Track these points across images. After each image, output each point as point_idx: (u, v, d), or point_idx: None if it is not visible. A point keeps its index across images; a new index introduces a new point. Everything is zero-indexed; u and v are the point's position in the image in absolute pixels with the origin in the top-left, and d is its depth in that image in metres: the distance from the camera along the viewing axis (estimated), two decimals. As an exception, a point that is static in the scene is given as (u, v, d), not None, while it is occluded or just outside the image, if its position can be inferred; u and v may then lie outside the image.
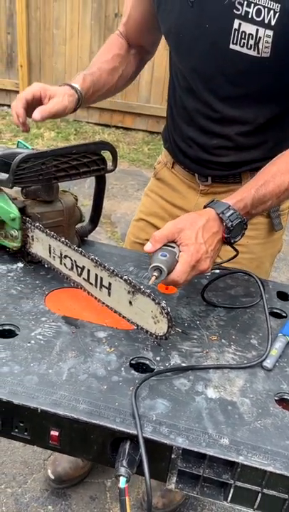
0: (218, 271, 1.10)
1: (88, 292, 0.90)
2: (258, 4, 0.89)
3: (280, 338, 0.90)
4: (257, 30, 0.91)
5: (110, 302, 0.85)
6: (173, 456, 0.67)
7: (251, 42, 0.93)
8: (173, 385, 0.76)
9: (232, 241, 0.90)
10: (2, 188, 0.97)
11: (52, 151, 0.95)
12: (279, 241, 1.28)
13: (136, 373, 0.78)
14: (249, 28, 0.92)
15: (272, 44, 0.92)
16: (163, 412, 0.71)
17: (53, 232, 0.92)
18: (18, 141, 1.07)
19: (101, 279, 0.85)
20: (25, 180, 0.94)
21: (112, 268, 0.83)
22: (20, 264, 1.03)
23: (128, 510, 0.62)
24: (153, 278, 0.78)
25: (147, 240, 1.32)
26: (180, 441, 0.66)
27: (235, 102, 1.05)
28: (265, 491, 0.66)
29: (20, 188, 1.00)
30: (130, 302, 0.81)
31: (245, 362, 0.84)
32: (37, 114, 1.02)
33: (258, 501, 0.67)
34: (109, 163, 1.09)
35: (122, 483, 0.64)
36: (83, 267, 0.88)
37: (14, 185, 0.93)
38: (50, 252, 0.94)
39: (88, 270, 0.87)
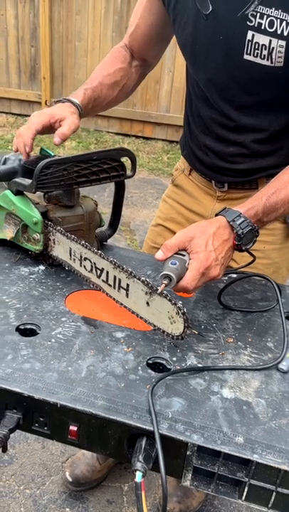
0: (235, 275, 1.11)
1: (107, 293, 0.92)
2: (271, 16, 0.92)
3: (296, 341, 0.91)
4: (270, 41, 0.94)
5: (128, 303, 0.88)
6: (188, 453, 0.68)
7: (265, 52, 0.95)
8: (189, 385, 0.78)
9: (243, 248, 0.91)
10: (25, 192, 1.01)
11: (73, 157, 0.98)
12: None
13: (152, 372, 0.80)
14: (262, 39, 0.94)
15: (285, 54, 0.94)
16: (179, 410, 0.72)
17: (73, 236, 0.95)
18: (42, 148, 1.11)
19: (119, 280, 0.87)
20: (47, 186, 0.97)
21: (130, 269, 0.85)
22: (42, 267, 1.07)
23: (144, 503, 0.64)
24: (162, 286, 0.80)
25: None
26: (195, 438, 0.68)
27: (250, 111, 1.07)
28: (279, 489, 0.67)
29: (42, 193, 1.03)
30: (147, 303, 0.83)
31: (261, 364, 0.85)
32: (57, 139, 1.04)
33: (272, 500, 0.68)
34: (129, 170, 1.12)
35: (139, 477, 0.65)
36: (102, 268, 0.90)
37: (37, 191, 0.97)
38: (70, 255, 0.97)
39: (107, 272, 0.90)
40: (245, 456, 0.66)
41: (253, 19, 0.94)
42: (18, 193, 1.01)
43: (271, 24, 0.92)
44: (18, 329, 0.86)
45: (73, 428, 0.72)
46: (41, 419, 0.73)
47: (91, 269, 0.93)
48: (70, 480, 1.58)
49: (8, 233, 1.06)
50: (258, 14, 0.93)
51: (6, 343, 0.82)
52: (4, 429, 0.71)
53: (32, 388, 0.73)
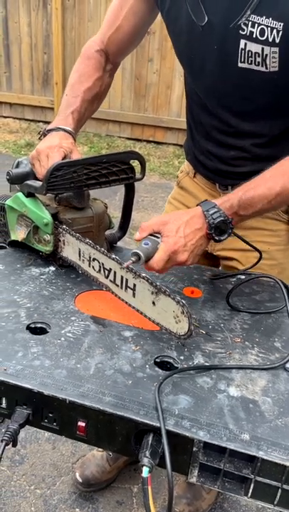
0: (243, 276, 1.12)
1: (114, 293, 0.94)
2: (262, 24, 0.93)
3: (303, 341, 0.91)
4: (262, 49, 0.95)
5: (135, 303, 0.89)
6: (194, 449, 0.69)
7: (258, 59, 0.96)
8: (196, 383, 0.79)
9: (216, 238, 0.95)
10: (36, 194, 1.03)
11: (83, 160, 1.00)
12: None
13: (160, 371, 0.81)
14: (254, 47, 0.95)
15: (279, 59, 0.95)
16: (185, 407, 0.73)
17: (82, 236, 0.97)
18: (52, 152, 1.13)
19: (126, 280, 0.89)
20: (57, 188, 0.99)
21: (136, 270, 0.86)
22: (52, 268, 1.09)
23: (150, 498, 0.65)
24: (129, 262, 0.87)
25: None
26: (201, 434, 0.69)
27: (249, 117, 1.09)
28: (285, 486, 0.67)
29: (53, 195, 1.05)
30: (153, 302, 0.85)
31: (268, 364, 0.85)
32: None
33: (278, 497, 0.68)
34: (138, 173, 1.14)
35: (145, 472, 0.66)
36: (110, 269, 0.92)
37: (48, 192, 0.99)
38: (79, 256, 0.99)
39: (114, 272, 0.91)
40: (251, 452, 0.67)
41: (245, 28, 0.95)
42: (29, 195, 1.04)
43: (262, 33, 0.93)
44: (28, 328, 0.88)
45: (81, 424, 0.73)
46: (50, 415, 0.75)
47: (99, 270, 0.95)
48: (80, 481, 1.59)
49: (20, 234, 1.09)
50: (250, 23, 0.94)
51: (16, 340, 0.84)
52: (14, 424, 0.72)
53: (41, 384, 0.74)
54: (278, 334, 0.95)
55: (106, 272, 0.93)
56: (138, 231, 0.93)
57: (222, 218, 0.93)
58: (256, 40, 0.94)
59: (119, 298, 0.93)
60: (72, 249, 1.01)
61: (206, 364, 0.84)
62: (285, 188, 0.95)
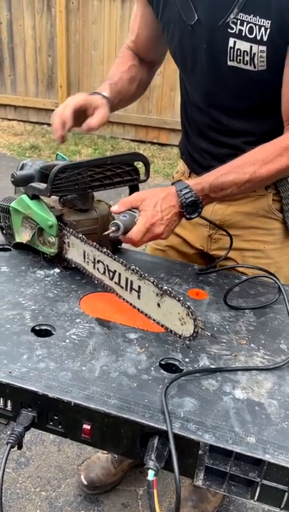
0: (244, 277, 1.12)
1: (119, 295, 0.94)
2: (250, 22, 0.94)
3: (309, 343, 0.91)
4: (251, 47, 0.96)
5: (140, 305, 0.89)
6: (200, 452, 0.68)
7: (247, 58, 0.97)
8: (201, 385, 0.78)
9: (187, 216, 1.01)
10: (41, 197, 1.04)
11: (87, 162, 1.00)
12: None
13: (165, 373, 0.81)
14: (243, 46, 0.96)
15: (266, 58, 0.96)
16: (191, 410, 0.73)
17: (87, 238, 0.97)
18: (57, 154, 1.14)
19: (131, 282, 0.89)
20: (62, 190, 0.99)
21: (141, 271, 0.86)
22: (57, 270, 1.09)
23: (156, 501, 0.65)
24: (110, 231, 0.93)
25: (168, 246, 1.37)
26: (207, 437, 0.68)
27: (240, 115, 1.10)
28: (291, 490, 0.67)
29: (57, 197, 1.06)
30: (158, 304, 0.84)
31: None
32: (96, 123, 1.10)
33: (284, 500, 0.67)
34: (142, 175, 1.14)
35: (151, 475, 0.66)
36: (115, 271, 0.92)
37: (52, 195, 0.99)
38: (84, 258, 0.99)
39: (119, 274, 0.91)
40: (257, 456, 0.66)
41: (234, 26, 0.96)
42: (34, 197, 1.04)
43: (251, 31, 0.94)
44: (33, 330, 0.88)
45: (87, 426, 0.73)
46: (55, 417, 0.75)
47: (104, 272, 0.95)
48: (85, 483, 1.59)
49: (25, 236, 1.09)
50: (239, 21, 0.95)
51: (21, 343, 0.84)
52: (20, 426, 0.72)
53: (46, 387, 0.74)
54: (284, 336, 0.94)
55: (111, 273, 0.93)
56: (117, 204, 0.97)
57: (193, 198, 0.99)
58: (245, 38, 0.95)
59: (124, 300, 0.93)
60: (76, 251, 1.01)
61: (212, 366, 0.83)
62: (254, 176, 0.99)
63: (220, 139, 1.16)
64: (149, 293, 0.85)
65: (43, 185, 1.00)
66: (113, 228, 0.93)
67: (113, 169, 1.05)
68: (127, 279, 0.90)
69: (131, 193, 1.18)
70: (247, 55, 0.97)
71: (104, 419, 0.71)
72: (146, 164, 1.12)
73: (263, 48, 0.95)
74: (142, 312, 0.90)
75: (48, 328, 0.89)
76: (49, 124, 5.57)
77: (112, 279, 0.94)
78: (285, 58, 0.96)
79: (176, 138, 5.03)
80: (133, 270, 0.87)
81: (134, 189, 1.17)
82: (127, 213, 0.96)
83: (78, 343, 0.85)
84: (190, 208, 0.99)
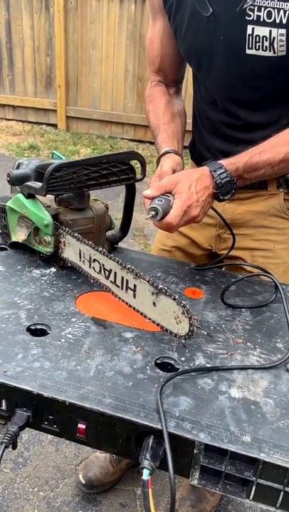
0: (240, 275, 1.12)
1: (115, 294, 0.93)
2: (269, 7, 0.93)
3: (306, 341, 0.90)
4: (270, 32, 0.95)
5: (135, 303, 0.88)
6: (195, 451, 0.68)
7: (266, 44, 0.97)
8: (197, 384, 0.78)
9: (221, 198, 1.00)
10: (37, 196, 1.03)
11: (83, 160, 1.00)
12: None
13: (161, 372, 0.80)
14: (262, 31, 0.96)
15: (286, 42, 0.95)
16: (186, 409, 0.73)
17: (82, 237, 0.97)
18: (53, 153, 1.14)
19: (126, 281, 0.88)
20: (57, 189, 0.99)
21: (136, 270, 0.86)
22: (53, 269, 1.08)
23: (151, 501, 0.64)
24: (150, 216, 0.91)
25: (174, 247, 1.36)
26: (202, 436, 0.68)
27: (257, 107, 1.09)
28: (287, 489, 0.66)
29: (53, 196, 1.05)
30: (154, 303, 0.84)
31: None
32: None
33: (280, 499, 0.67)
34: (139, 174, 1.13)
35: (146, 475, 0.66)
36: (110, 269, 0.91)
37: (47, 193, 0.99)
38: (80, 257, 0.99)
39: (115, 273, 0.91)
40: (252, 454, 0.66)
41: (251, 13, 0.96)
42: (29, 196, 1.04)
43: (269, 15, 0.94)
44: (28, 329, 0.87)
45: (82, 426, 0.72)
46: (50, 417, 0.74)
47: (100, 271, 0.94)
48: (84, 482, 1.58)
49: (21, 236, 1.09)
50: (256, 7, 0.95)
51: (16, 342, 0.83)
52: (14, 426, 0.72)
53: (41, 386, 0.74)
54: (280, 335, 0.94)
55: (106, 272, 0.93)
56: (149, 189, 0.95)
57: (228, 179, 0.98)
58: (264, 23, 0.95)
59: (119, 299, 0.93)
60: (72, 250, 1.01)
61: (208, 365, 0.83)
62: None
63: (236, 136, 1.15)
64: (145, 292, 0.85)
65: (38, 184, 1.00)
66: (152, 213, 0.91)
67: (109, 168, 1.05)
68: (122, 277, 0.89)
69: (128, 192, 1.18)
70: (266, 40, 0.96)
71: (99, 419, 0.71)
72: (143, 163, 1.11)
73: (283, 30, 0.94)
74: (137, 311, 0.89)
75: (44, 328, 0.88)
76: (48, 124, 5.57)
77: (107, 278, 0.93)
78: None
79: (174, 137, 5.02)
80: (128, 269, 0.87)
81: (130, 188, 1.17)
82: (161, 197, 0.94)
83: (74, 342, 0.85)
84: (224, 188, 0.98)
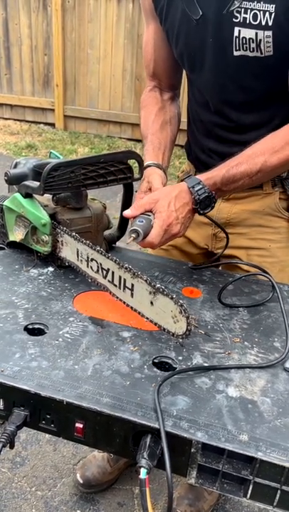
0: (238, 275, 1.12)
1: (113, 294, 0.93)
2: (254, 9, 0.94)
3: (303, 340, 0.90)
4: (256, 34, 0.96)
5: (133, 303, 0.89)
6: (192, 450, 0.68)
7: (253, 45, 0.97)
8: (194, 383, 0.78)
9: (201, 212, 1.01)
10: (34, 195, 1.03)
11: (80, 159, 1.00)
12: None
13: (158, 371, 0.80)
14: (248, 33, 0.97)
15: (273, 43, 0.96)
16: (183, 408, 0.73)
17: (80, 237, 0.97)
18: (51, 152, 1.13)
19: (124, 280, 0.88)
20: (55, 188, 0.99)
21: (134, 270, 0.86)
22: (51, 268, 1.08)
23: (148, 500, 0.64)
24: (131, 238, 0.92)
25: (171, 246, 1.36)
26: (199, 435, 0.68)
27: (249, 108, 1.09)
28: (284, 487, 0.66)
29: (51, 196, 1.05)
30: (151, 302, 0.84)
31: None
32: None
33: (277, 498, 0.67)
34: (136, 173, 1.13)
35: (143, 474, 0.66)
36: (108, 269, 0.91)
37: (45, 193, 0.99)
38: (77, 256, 0.99)
39: (112, 272, 0.91)
40: (250, 453, 0.66)
41: (238, 15, 0.96)
42: (27, 195, 1.03)
43: (255, 17, 0.95)
44: (26, 329, 0.87)
45: (79, 425, 0.72)
46: (48, 416, 0.74)
47: (97, 270, 0.94)
48: (81, 482, 1.58)
49: (18, 235, 1.08)
50: (243, 10, 0.95)
51: (14, 342, 0.83)
52: (12, 425, 0.72)
53: (39, 386, 0.74)
54: (278, 334, 0.94)
55: (104, 272, 0.93)
56: (130, 209, 0.97)
57: (207, 194, 0.99)
58: (250, 26, 0.96)
59: (117, 298, 0.93)
60: (70, 249, 1.01)
61: (205, 364, 0.83)
62: (265, 165, 0.99)
63: (229, 137, 1.16)
64: (142, 291, 0.85)
65: (36, 184, 1.00)
66: (133, 236, 0.93)
67: (107, 167, 1.05)
68: (120, 277, 0.89)
69: (125, 191, 1.18)
70: (253, 42, 0.97)
71: (97, 418, 0.71)
72: (141, 162, 1.11)
73: (269, 32, 0.95)
74: (135, 310, 0.89)
75: (41, 327, 0.88)
76: (46, 123, 5.57)
77: (105, 277, 0.93)
78: None
79: (172, 137, 5.02)
80: (126, 268, 0.87)
81: (128, 187, 1.17)
82: (142, 217, 0.96)
83: (71, 341, 0.85)
84: (203, 203, 1.00)
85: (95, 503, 1.58)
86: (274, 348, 0.90)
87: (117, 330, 0.90)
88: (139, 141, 5.16)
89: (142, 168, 1.13)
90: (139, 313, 0.89)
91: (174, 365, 0.83)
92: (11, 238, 1.11)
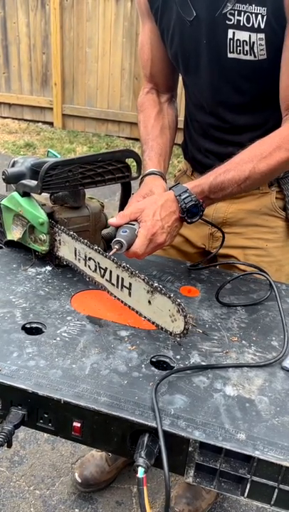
0: (236, 274, 1.12)
1: (110, 293, 0.93)
2: (247, 12, 0.94)
3: (300, 339, 0.90)
4: (249, 36, 0.96)
5: (131, 302, 0.89)
6: (190, 449, 0.68)
7: (247, 48, 0.97)
8: (192, 382, 0.78)
9: (188, 221, 0.99)
10: (32, 194, 1.03)
11: (78, 158, 1.00)
12: None
13: (156, 370, 0.80)
14: (242, 35, 0.97)
15: (266, 46, 0.96)
16: (181, 407, 0.73)
17: (77, 235, 0.96)
18: (48, 151, 1.13)
19: (122, 279, 0.88)
20: (53, 187, 0.99)
21: (132, 269, 0.86)
22: (49, 268, 1.08)
23: (146, 499, 0.64)
24: (114, 250, 0.90)
25: (168, 244, 1.36)
26: (197, 434, 0.68)
27: (243, 110, 1.09)
28: (281, 486, 0.66)
29: (48, 195, 1.05)
30: (149, 301, 0.84)
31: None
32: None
33: (274, 497, 0.67)
34: (134, 172, 1.13)
35: (141, 473, 0.66)
36: (106, 268, 0.91)
37: (43, 192, 0.99)
38: (75, 255, 0.99)
39: (110, 271, 0.91)
40: (247, 452, 0.66)
41: (231, 17, 0.96)
42: (24, 194, 1.03)
43: (248, 20, 0.95)
44: (24, 328, 0.87)
45: (77, 424, 0.72)
46: (45, 415, 0.74)
47: (95, 269, 0.94)
48: (80, 481, 1.58)
49: (16, 234, 1.08)
50: (236, 12, 0.95)
51: (11, 341, 0.83)
52: (9, 424, 0.72)
53: (36, 385, 0.74)
54: (275, 333, 0.94)
55: (102, 271, 0.93)
56: (115, 217, 0.96)
57: (193, 202, 0.97)
58: (244, 28, 0.96)
59: (115, 297, 0.93)
60: (68, 248, 1.01)
61: (203, 363, 0.83)
62: (254, 172, 0.98)
63: (225, 138, 1.16)
64: (140, 290, 0.85)
65: (33, 183, 1.00)
66: (116, 247, 0.90)
67: (104, 166, 1.05)
68: (118, 276, 0.89)
69: (123, 190, 1.18)
70: (246, 44, 0.97)
71: (95, 417, 0.71)
72: (139, 161, 1.11)
73: (262, 35, 0.95)
74: (132, 309, 0.89)
75: (39, 326, 0.88)
76: (44, 122, 5.56)
77: (103, 276, 0.93)
78: (284, 43, 0.95)
79: (171, 136, 5.02)
80: (124, 267, 0.87)
81: (126, 186, 1.17)
82: (126, 227, 0.94)
83: (69, 340, 0.85)
84: (190, 212, 0.98)
85: (93, 502, 1.58)
86: (272, 346, 0.90)
87: (115, 329, 0.90)
88: (137, 139, 5.15)
89: (140, 166, 1.13)
90: (136, 312, 0.89)
91: (172, 364, 0.83)
92: (9, 237, 1.11)
